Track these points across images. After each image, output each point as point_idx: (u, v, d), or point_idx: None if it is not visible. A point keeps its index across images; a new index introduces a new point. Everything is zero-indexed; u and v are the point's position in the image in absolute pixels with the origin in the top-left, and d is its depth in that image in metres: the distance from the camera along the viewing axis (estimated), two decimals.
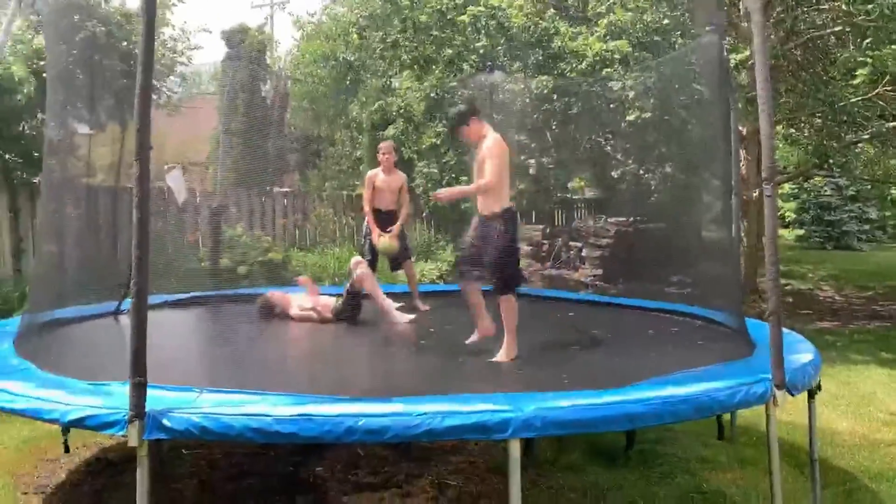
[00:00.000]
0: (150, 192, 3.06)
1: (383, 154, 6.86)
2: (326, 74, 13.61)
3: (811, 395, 4.09)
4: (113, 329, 5.40)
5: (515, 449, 2.91)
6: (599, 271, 13.37)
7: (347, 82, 13.14)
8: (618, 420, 3.10)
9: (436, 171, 10.42)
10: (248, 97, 12.05)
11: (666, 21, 8.69)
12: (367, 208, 6.88)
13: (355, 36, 11.52)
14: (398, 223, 6.87)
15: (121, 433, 2.91)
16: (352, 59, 12.85)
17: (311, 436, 2.84)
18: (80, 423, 3.04)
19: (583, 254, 14.71)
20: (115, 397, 3.05)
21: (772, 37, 11.96)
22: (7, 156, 8.35)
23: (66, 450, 4.92)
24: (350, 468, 4.63)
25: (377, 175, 6.88)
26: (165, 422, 2.88)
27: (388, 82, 11.78)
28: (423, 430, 2.83)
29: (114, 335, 5.16)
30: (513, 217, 4.73)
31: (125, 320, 5.82)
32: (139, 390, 2.86)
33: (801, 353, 4.15)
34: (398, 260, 7.00)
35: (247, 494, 4.31)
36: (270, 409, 2.90)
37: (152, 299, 6.36)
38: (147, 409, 2.89)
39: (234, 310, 6.29)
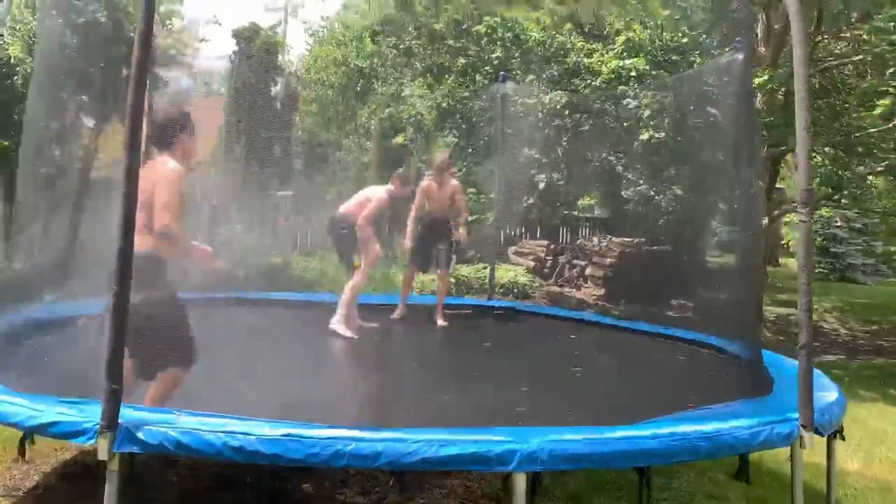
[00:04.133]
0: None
1: (440, 166, 6.84)
2: (337, 80, 13.45)
3: (830, 442, 3.84)
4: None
5: (521, 483, 2.66)
6: (602, 291, 13.16)
7: (358, 88, 12.97)
8: (632, 456, 2.85)
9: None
10: (256, 97, 11.85)
11: (685, 40, 8.50)
12: (413, 214, 6.81)
13: (368, 41, 11.34)
14: (461, 229, 6.83)
15: (90, 443, 2.66)
16: (363, 65, 12.67)
17: (296, 458, 2.58)
18: (43, 429, 2.79)
19: (586, 272, 14.52)
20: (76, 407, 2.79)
21: (787, 64, 11.81)
22: (6, 142, 8.09)
23: (23, 456, 4.48)
24: (338, 486, 4.37)
25: (430, 186, 6.82)
26: (140, 434, 2.63)
27: (399, 90, 11.60)
28: (418, 458, 2.59)
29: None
30: None
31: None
32: (113, 399, 2.62)
33: (826, 390, 3.90)
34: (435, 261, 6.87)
35: None
36: (253, 427, 2.65)
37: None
38: (121, 421, 2.65)
39: (226, 314, 6.01)
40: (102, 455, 2.63)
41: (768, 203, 10.57)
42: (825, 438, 3.86)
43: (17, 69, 7.05)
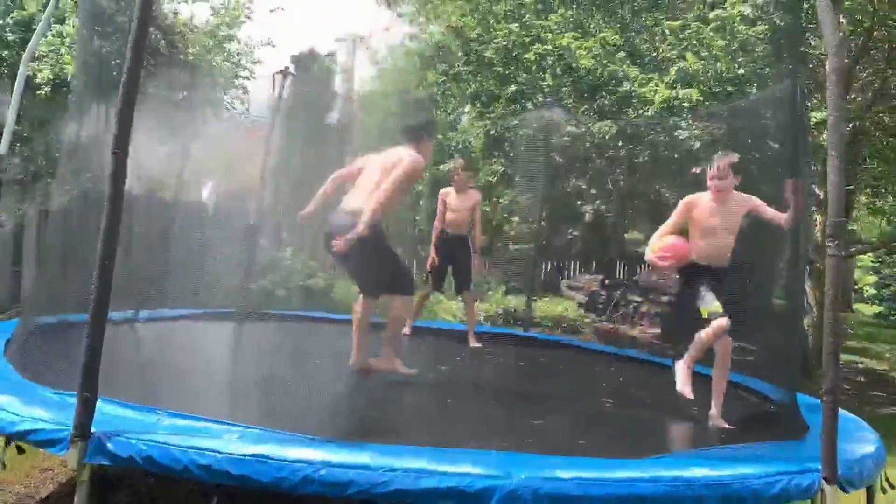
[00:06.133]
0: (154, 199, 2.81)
1: (456, 173, 6.55)
2: (396, 109, 13.56)
3: (871, 492, 3.51)
4: (117, 338, 5.16)
5: None
6: (657, 329, 12.73)
7: (417, 118, 13.00)
8: (626, 501, 2.62)
9: (488, 209, 10.08)
10: (311, 122, 12.03)
11: (741, 71, 8.21)
12: (436, 224, 6.58)
13: (418, 64, 11.40)
14: (477, 249, 6.54)
15: (62, 454, 2.62)
16: (422, 96, 12.75)
17: (263, 481, 2.47)
18: (23, 436, 2.76)
19: (642, 309, 14.11)
20: (67, 410, 2.76)
21: (858, 99, 11.32)
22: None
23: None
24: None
25: (449, 193, 6.54)
26: (109, 446, 2.57)
27: (456, 119, 11.60)
28: (391, 489, 2.43)
29: (114, 345, 4.91)
30: None
31: (140, 329, 5.67)
32: (86, 407, 2.57)
33: (861, 442, 3.57)
34: (444, 282, 6.70)
35: None
36: (222, 445, 2.55)
37: (174, 311, 6.26)
38: (94, 430, 2.60)
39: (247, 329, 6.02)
40: (72, 465, 2.58)
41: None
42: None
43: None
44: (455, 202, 6.46)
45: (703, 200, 4.41)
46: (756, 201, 4.35)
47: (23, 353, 3.92)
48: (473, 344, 6.32)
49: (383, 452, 2.64)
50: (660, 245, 4.34)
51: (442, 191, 6.64)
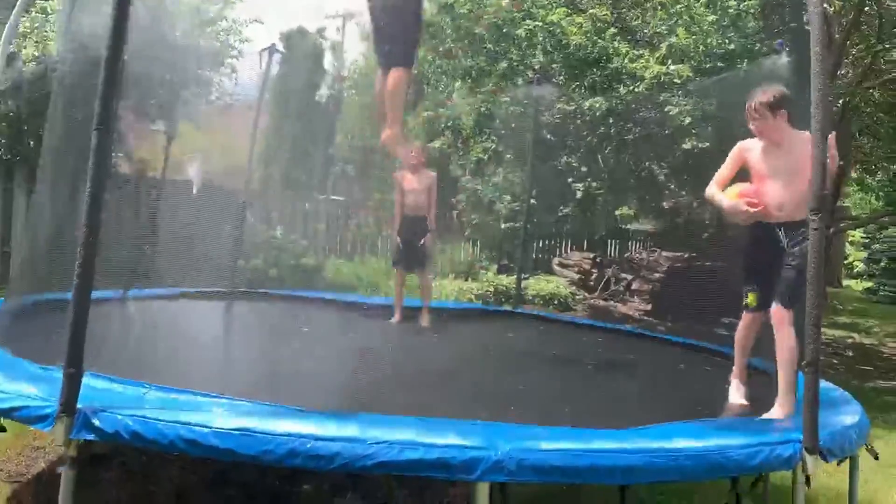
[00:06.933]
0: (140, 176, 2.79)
1: (412, 154, 6.52)
2: None
3: (854, 463, 3.55)
4: (107, 315, 5.15)
5: (483, 494, 2.50)
6: (649, 306, 12.80)
7: (406, 95, 12.92)
8: (609, 472, 2.64)
9: (480, 187, 10.07)
10: (301, 101, 11.97)
11: (732, 46, 8.18)
12: (396, 210, 6.63)
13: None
14: (433, 227, 6.56)
15: (48, 429, 2.63)
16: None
17: (249, 454, 2.49)
18: (9, 413, 2.77)
19: (633, 287, 14.16)
20: (54, 386, 2.76)
21: (849, 74, 11.32)
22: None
23: None
24: (340, 490, 4.26)
25: (405, 176, 6.57)
26: (95, 421, 2.58)
27: (447, 94, 11.50)
28: (376, 461, 2.45)
29: (104, 321, 4.91)
30: None
31: (130, 307, 5.67)
32: (72, 383, 2.58)
33: (845, 413, 3.61)
34: (411, 263, 6.66)
35: None
36: (209, 418, 2.57)
37: (173, 290, 6.27)
38: (80, 406, 2.61)
39: (241, 307, 6.03)
40: (59, 440, 2.59)
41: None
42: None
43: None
44: (411, 183, 6.51)
45: (756, 144, 3.94)
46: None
47: (8, 330, 3.92)
48: (425, 324, 6.35)
49: (371, 423, 2.66)
50: (738, 191, 3.88)
51: (396, 173, 6.71)
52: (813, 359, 2.92)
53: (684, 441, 2.84)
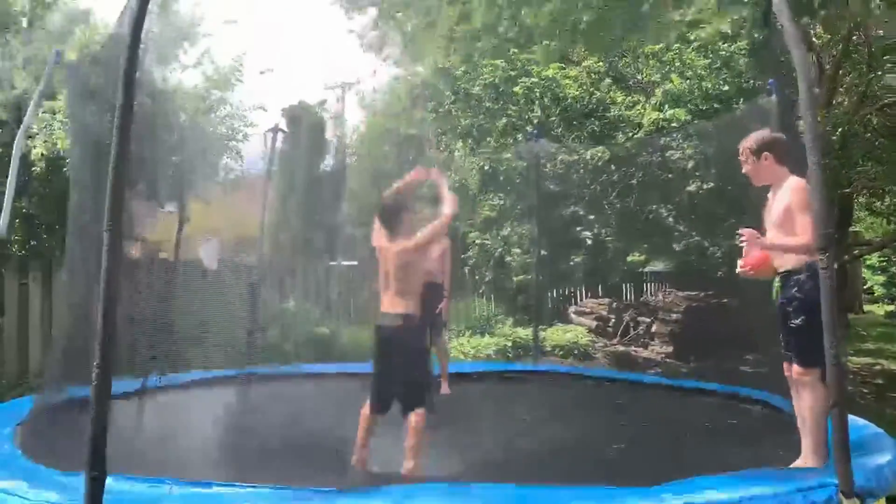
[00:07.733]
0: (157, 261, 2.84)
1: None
2: (389, 150, 13.70)
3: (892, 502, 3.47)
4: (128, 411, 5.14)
5: None
6: (670, 348, 12.64)
7: (410, 157, 13.15)
8: None
9: (489, 242, 10.11)
10: (305, 173, 12.14)
11: (726, 88, 8.30)
12: None
13: (405, 101, 11.56)
14: (448, 294, 6.52)
15: None
16: (413, 132, 12.87)
17: None
18: None
19: (652, 329, 14.01)
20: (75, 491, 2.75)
21: (844, 102, 11.40)
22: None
23: None
24: None
25: None
26: None
27: (449, 155, 11.67)
28: None
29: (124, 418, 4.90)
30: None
31: (148, 402, 5.62)
32: (95, 487, 2.57)
33: (879, 451, 3.54)
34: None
35: None
36: None
37: (183, 377, 6.26)
38: None
39: (256, 391, 5.99)
40: None
41: (838, 247, 10.07)
42: None
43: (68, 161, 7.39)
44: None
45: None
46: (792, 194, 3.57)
47: (33, 436, 3.92)
48: (445, 391, 6.33)
49: (403, 495, 2.64)
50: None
51: None
52: (838, 398, 2.88)
53: (713, 494, 2.79)
